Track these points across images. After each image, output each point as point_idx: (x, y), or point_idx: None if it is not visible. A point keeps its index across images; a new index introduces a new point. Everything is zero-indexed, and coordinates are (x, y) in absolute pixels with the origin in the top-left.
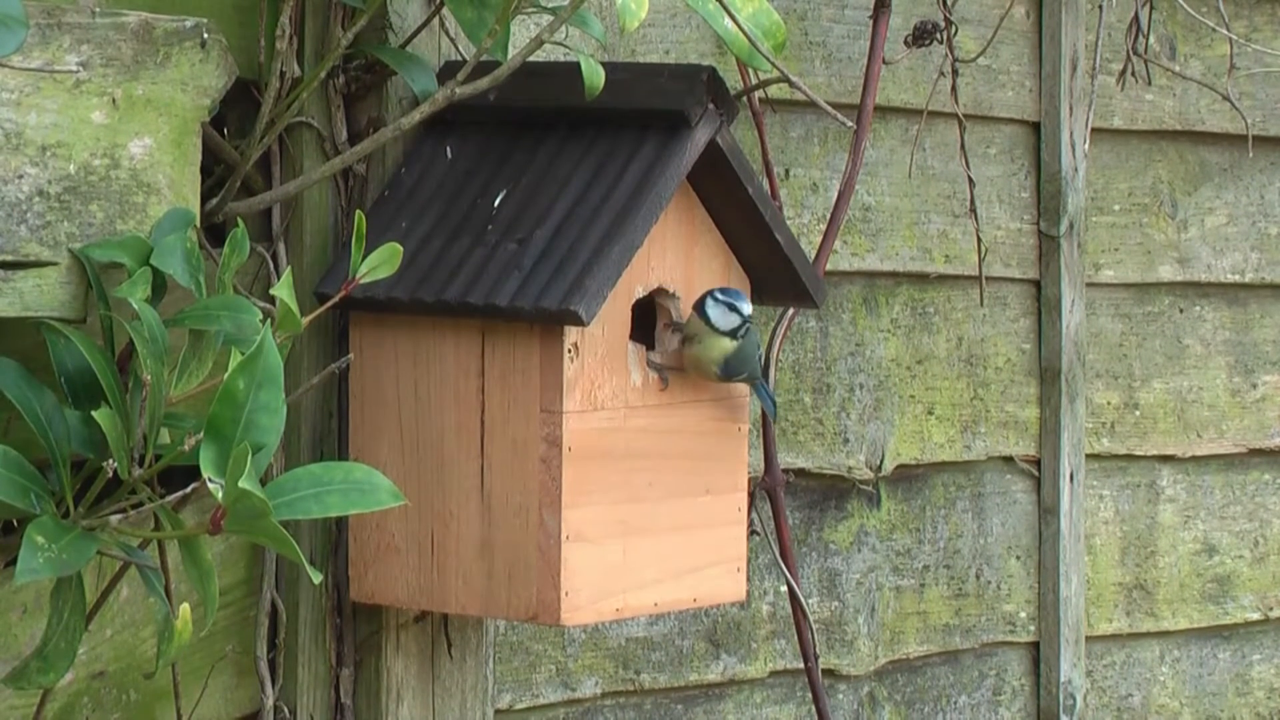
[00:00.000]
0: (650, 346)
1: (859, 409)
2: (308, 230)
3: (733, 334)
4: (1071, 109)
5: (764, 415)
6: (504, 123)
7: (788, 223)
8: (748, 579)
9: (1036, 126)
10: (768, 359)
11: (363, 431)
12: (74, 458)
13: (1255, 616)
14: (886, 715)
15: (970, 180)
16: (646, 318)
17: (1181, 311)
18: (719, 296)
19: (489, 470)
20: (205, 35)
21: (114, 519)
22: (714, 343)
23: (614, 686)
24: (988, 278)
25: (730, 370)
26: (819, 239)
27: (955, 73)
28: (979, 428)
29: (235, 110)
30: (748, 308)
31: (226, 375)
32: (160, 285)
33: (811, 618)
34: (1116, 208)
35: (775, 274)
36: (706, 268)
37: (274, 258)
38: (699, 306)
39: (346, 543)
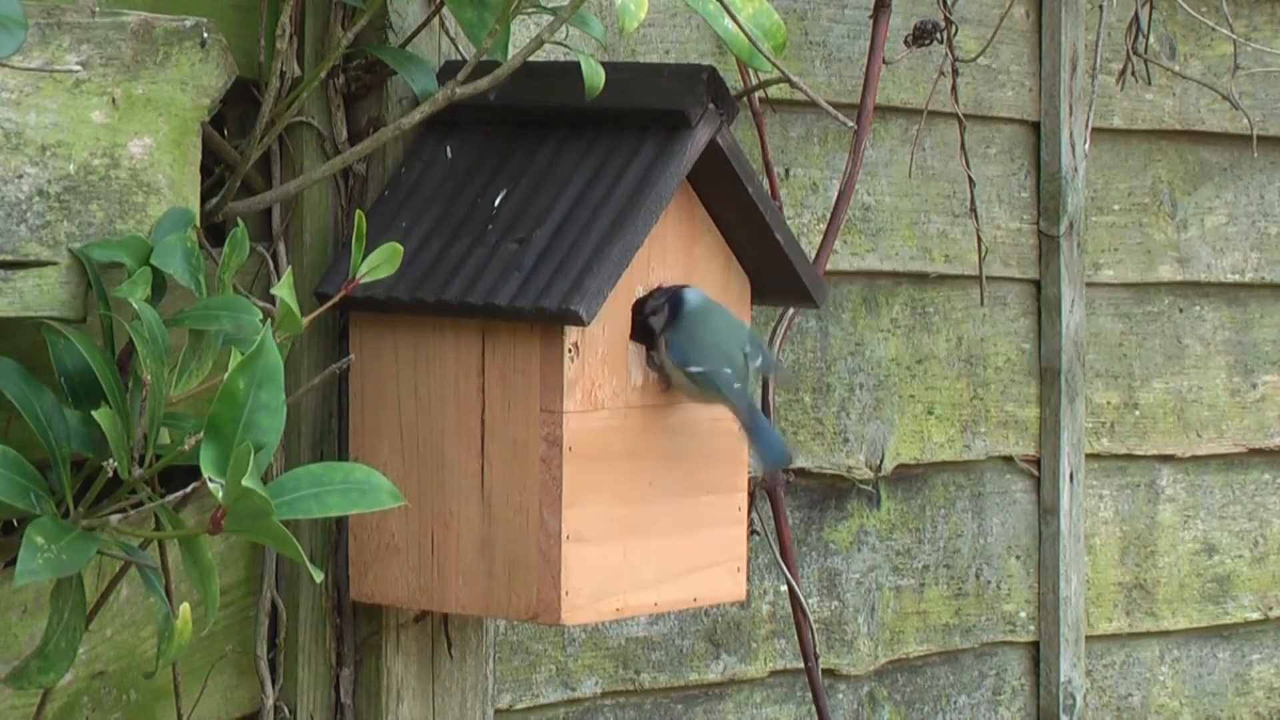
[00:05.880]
0: (650, 346)
1: (859, 409)
2: (308, 230)
3: (655, 329)
4: (1071, 109)
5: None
6: (504, 123)
7: (788, 223)
8: (748, 579)
9: (1036, 126)
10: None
11: (363, 431)
12: (74, 458)
13: (1255, 616)
14: (886, 715)
15: (970, 180)
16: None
17: (1181, 311)
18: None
19: (489, 470)
20: (205, 35)
21: (114, 519)
22: (660, 344)
23: (614, 686)
24: (988, 277)
25: (679, 356)
26: (819, 239)
27: (955, 72)
28: (979, 427)
29: (235, 110)
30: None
31: (226, 375)
32: (160, 285)
33: (811, 617)
34: (1116, 207)
35: (775, 274)
36: (707, 268)
37: (274, 258)
38: None
39: (346, 542)
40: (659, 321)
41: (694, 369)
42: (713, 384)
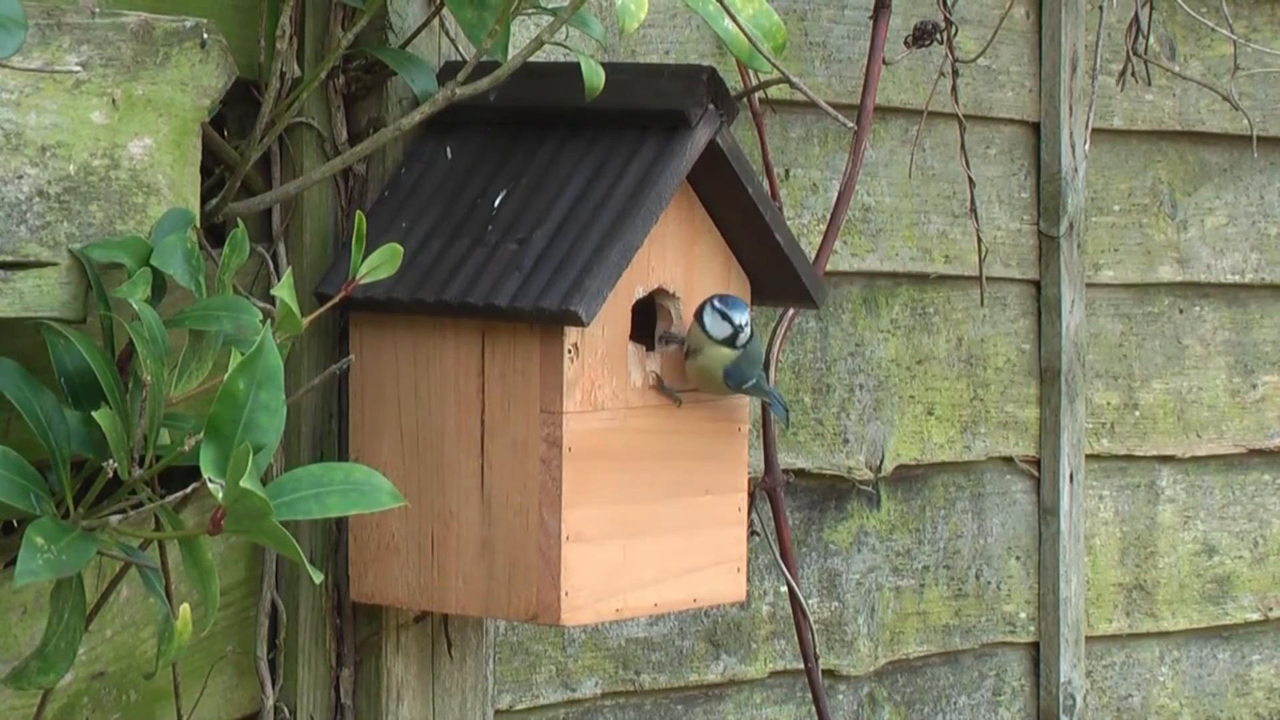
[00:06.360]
0: (650, 347)
1: (859, 409)
2: (308, 230)
3: (730, 343)
4: (1071, 109)
5: (765, 414)
6: (504, 123)
7: (788, 223)
8: (748, 579)
9: (1036, 127)
10: (768, 360)
11: (363, 431)
12: (74, 458)
13: (1255, 617)
14: (886, 715)
15: (970, 180)
16: (647, 318)
17: (1181, 312)
18: (716, 305)
19: (489, 470)
20: (205, 35)
21: (114, 519)
22: (715, 353)
23: (614, 687)
24: (988, 278)
25: (736, 378)
26: (819, 239)
27: (955, 73)
28: (979, 428)
29: (235, 110)
30: (740, 316)
31: (226, 375)
32: (160, 285)
33: (811, 618)
34: (1116, 208)
35: (775, 274)
36: (707, 268)
37: (274, 258)
38: (698, 316)
39: (346, 543)
40: (722, 329)
41: (748, 384)
42: (761, 390)
